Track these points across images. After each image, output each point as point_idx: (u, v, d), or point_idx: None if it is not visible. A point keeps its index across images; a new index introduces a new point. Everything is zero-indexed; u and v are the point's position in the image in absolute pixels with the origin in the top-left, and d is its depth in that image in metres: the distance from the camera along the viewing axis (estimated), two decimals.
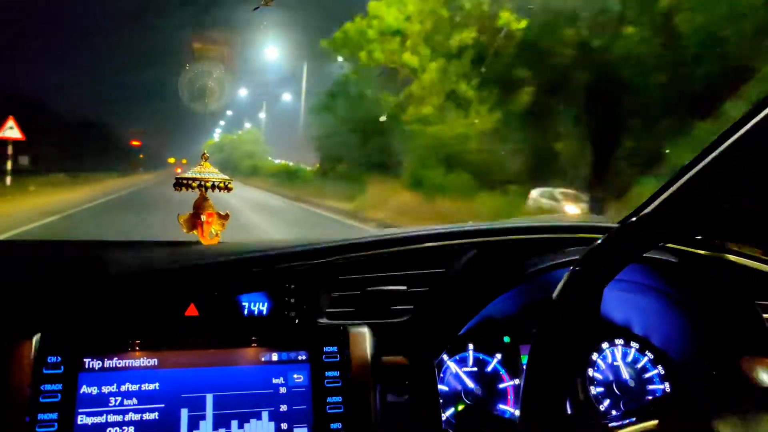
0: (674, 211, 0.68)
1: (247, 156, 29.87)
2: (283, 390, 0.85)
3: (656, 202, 1.19)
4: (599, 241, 0.67)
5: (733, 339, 1.02)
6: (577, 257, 0.70)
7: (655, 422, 0.64)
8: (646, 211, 1.14)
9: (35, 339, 0.79)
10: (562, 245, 1.02)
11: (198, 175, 1.06)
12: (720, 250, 1.10)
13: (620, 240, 0.67)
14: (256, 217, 9.96)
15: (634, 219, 0.68)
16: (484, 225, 1.12)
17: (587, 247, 0.68)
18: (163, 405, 0.80)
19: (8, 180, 11.28)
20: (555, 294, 0.65)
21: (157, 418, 0.80)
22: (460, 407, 1.01)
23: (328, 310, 0.94)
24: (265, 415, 0.83)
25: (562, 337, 0.62)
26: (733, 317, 1.01)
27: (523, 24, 10.19)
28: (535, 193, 9.75)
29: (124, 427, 0.79)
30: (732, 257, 1.08)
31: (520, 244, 1.06)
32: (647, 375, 1.12)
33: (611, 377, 1.11)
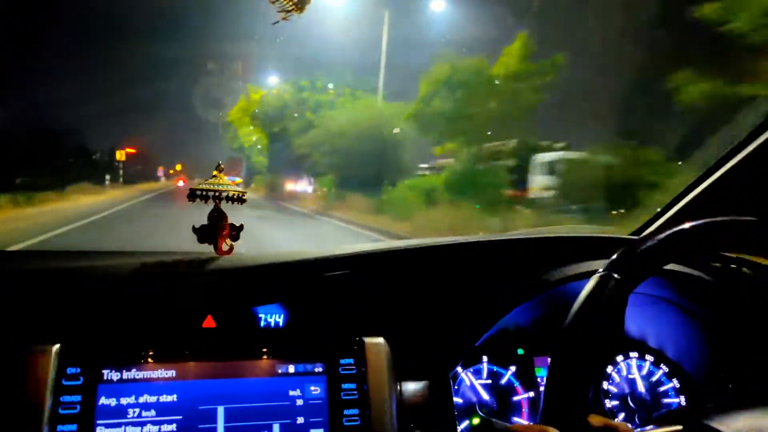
0: (697, 225, 0.69)
1: None
2: (299, 402, 0.85)
3: (670, 213, 1.19)
4: (624, 250, 0.68)
5: (748, 352, 1.01)
6: (592, 269, 0.70)
7: (679, 427, 0.64)
8: (665, 223, 1.13)
9: (54, 350, 0.80)
10: (576, 257, 1.02)
11: (213, 187, 1.08)
12: (735, 262, 1.10)
13: (645, 252, 0.67)
14: None
15: (659, 232, 0.69)
16: (497, 236, 1.13)
17: (615, 256, 0.68)
18: (180, 417, 0.80)
19: None
20: (581, 298, 0.65)
21: (175, 430, 0.80)
22: (475, 420, 1.00)
23: (344, 321, 0.94)
24: (276, 427, 0.83)
25: (587, 343, 0.62)
26: (749, 330, 1.00)
27: None
28: None
29: None
30: (747, 269, 1.08)
31: (534, 256, 1.06)
32: (662, 388, 1.12)
33: (626, 390, 1.10)
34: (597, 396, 1.09)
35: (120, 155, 24.78)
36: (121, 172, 24.84)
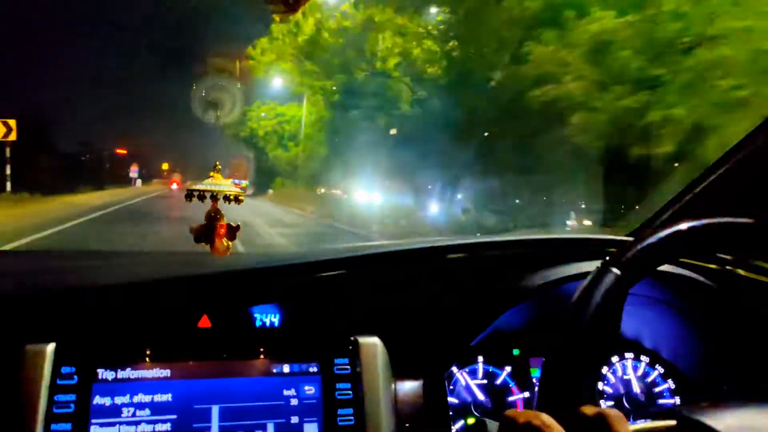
0: (702, 223, 0.69)
1: None
2: (294, 402, 0.85)
3: (668, 214, 1.19)
4: (628, 244, 0.68)
5: (743, 353, 1.01)
6: (588, 270, 0.70)
7: (673, 422, 0.64)
8: (665, 223, 1.13)
9: (49, 349, 0.80)
10: (572, 258, 1.03)
11: (210, 187, 1.08)
12: (730, 263, 1.10)
13: (648, 247, 0.67)
14: None
15: (657, 230, 0.69)
16: (494, 238, 1.13)
17: (618, 250, 0.68)
18: (175, 416, 0.81)
19: None
20: (581, 288, 0.66)
21: (169, 429, 0.80)
22: (470, 420, 1.00)
23: (339, 321, 0.95)
24: (270, 427, 0.83)
25: (585, 334, 0.62)
26: (744, 331, 1.00)
27: None
28: None
29: None
30: (742, 271, 1.08)
31: (530, 257, 1.06)
32: (658, 389, 1.12)
33: (621, 391, 1.10)
34: (593, 393, 1.09)
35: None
36: (8, 170, 12.80)
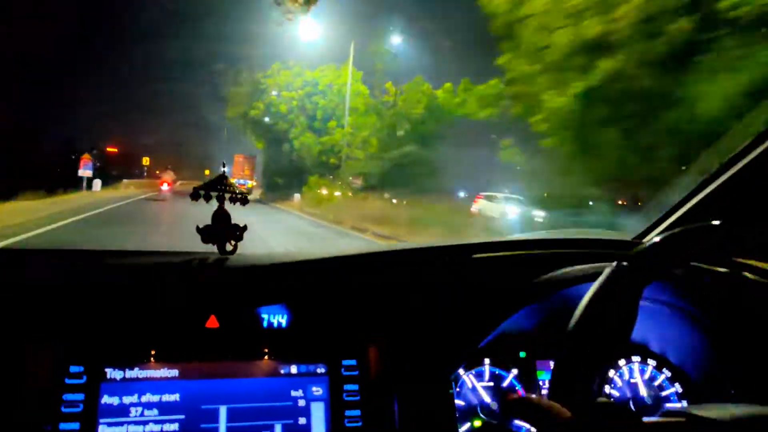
0: (697, 230, 0.69)
1: None
2: (302, 403, 0.85)
3: (675, 217, 1.19)
4: (649, 244, 0.68)
5: (751, 357, 1.01)
6: (596, 271, 0.70)
7: (683, 419, 0.64)
8: (672, 227, 1.13)
9: (58, 348, 0.80)
10: (580, 259, 1.02)
11: (215, 186, 1.08)
12: (738, 267, 1.10)
13: (664, 246, 0.68)
14: None
15: (659, 236, 0.69)
16: (501, 239, 1.13)
17: (634, 250, 0.68)
18: (183, 416, 0.81)
19: None
20: (594, 290, 0.66)
21: (177, 429, 0.80)
22: (477, 423, 1.00)
23: (347, 322, 0.95)
24: (278, 427, 0.83)
25: (601, 334, 0.62)
26: (752, 335, 1.00)
27: None
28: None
29: None
30: (750, 274, 1.07)
31: (538, 258, 1.06)
32: (665, 393, 1.11)
33: (628, 395, 1.10)
34: (600, 387, 1.09)
35: None
36: None
